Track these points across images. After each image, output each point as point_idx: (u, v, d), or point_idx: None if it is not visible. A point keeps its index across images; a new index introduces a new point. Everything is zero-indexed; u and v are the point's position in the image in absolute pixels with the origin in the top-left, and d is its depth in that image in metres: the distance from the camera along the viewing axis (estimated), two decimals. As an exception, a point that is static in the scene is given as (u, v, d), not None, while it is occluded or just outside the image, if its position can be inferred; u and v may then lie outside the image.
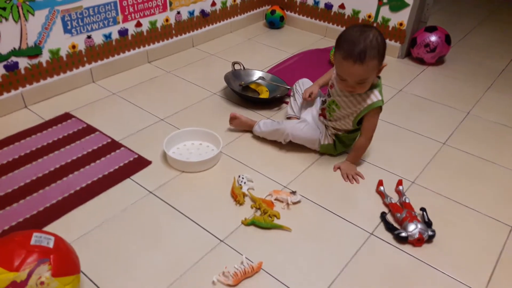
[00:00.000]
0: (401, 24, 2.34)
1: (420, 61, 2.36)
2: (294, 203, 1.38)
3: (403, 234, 1.25)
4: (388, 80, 2.18)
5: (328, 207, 1.38)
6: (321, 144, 1.58)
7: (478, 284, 1.15)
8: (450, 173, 1.56)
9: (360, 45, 1.27)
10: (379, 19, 2.40)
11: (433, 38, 2.25)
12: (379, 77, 1.44)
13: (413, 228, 1.25)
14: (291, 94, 1.78)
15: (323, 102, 1.58)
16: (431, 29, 2.28)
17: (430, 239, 1.26)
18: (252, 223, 1.29)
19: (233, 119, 1.68)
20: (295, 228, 1.29)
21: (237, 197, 1.37)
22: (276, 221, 1.30)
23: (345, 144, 1.58)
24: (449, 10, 3.27)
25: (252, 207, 1.36)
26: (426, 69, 2.33)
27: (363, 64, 1.28)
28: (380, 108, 1.44)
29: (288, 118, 1.75)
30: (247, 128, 1.70)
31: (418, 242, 1.24)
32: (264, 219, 1.29)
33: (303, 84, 1.75)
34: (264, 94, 1.95)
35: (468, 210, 1.40)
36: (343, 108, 1.47)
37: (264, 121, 1.66)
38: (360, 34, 1.28)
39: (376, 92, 1.41)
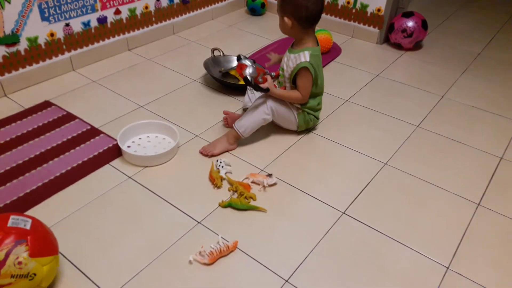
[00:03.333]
0: (379, 10, 2.37)
1: (398, 46, 2.40)
2: (270, 185, 1.42)
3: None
4: (366, 65, 2.22)
5: (303, 188, 1.42)
6: (297, 119, 1.61)
7: (444, 259, 1.21)
8: (422, 154, 1.62)
9: None
10: (358, 5, 2.43)
11: (410, 23, 2.29)
12: (317, 45, 1.54)
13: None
14: (248, 89, 1.77)
15: (276, 78, 1.65)
16: (408, 15, 2.32)
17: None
18: (229, 205, 1.33)
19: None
20: (270, 209, 1.33)
21: (214, 180, 1.41)
22: (252, 203, 1.35)
23: (312, 112, 1.63)
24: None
25: (229, 190, 1.40)
26: (404, 54, 2.37)
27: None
28: (306, 69, 1.49)
29: (245, 109, 1.76)
30: (227, 150, 1.59)
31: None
32: (240, 200, 1.33)
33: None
34: (244, 80, 1.97)
35: (437, 189, 1.46)
36: (285, 70, 1.56)
37: (237, 122, 1.57)
38: None
39: (306, 53, 1.49)
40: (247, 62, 1.51)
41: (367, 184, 1.46)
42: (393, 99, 1.96)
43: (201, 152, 1.55)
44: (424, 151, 1.64)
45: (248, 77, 1.48)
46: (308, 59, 1.48)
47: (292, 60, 1.52)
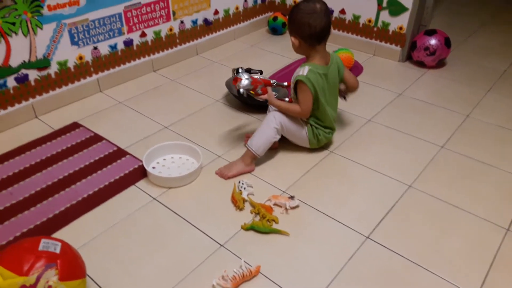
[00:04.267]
0: (401, 28, 2.37)
1: (421, 64, 2.39)
2: (293, 208, 1.42)
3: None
4: (388, 84, 2.22)
5: (326, 211, 1.42)
6: (307, 134, 1.62)
7: (473, 287, 1.18)
8: (447, 176, 1.59)
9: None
10: (379, 24, 2.43)
11: (433, 41, 2.27)
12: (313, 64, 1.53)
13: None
14: (268, 110, 1.76)
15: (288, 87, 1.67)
16: (431, 33, 2.30)
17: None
18: (251, 228, 1.34)
19: (226, 179, 1.56)
20: (293, 232, 1.33)
21: (237, 202, 1.42)
22: (274, 226, 1.35)
23: (321, 128, 1.63)
24: (452, 12, 3.28)
25: (251, 212, 1.40)
26: (427, 72, 2.35)
27: None
28: (301, 83, 1.50)
29: None
30: (243, 172, 1.58)
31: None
32: (263, 223, 1.33)
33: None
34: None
35: (464, 213, 1.43)
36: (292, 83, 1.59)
37: (249, 141, 1.58)
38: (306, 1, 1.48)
39: (305, 68, 1.51)
40: (243, 76, 1.52)
41: (392, 207, 1.44)
42: (416, 118, 1.94)
43: (217, 174, 1.57)
44: (450, 173, 1.61)
45: (241, 90, 1.51)
46: (305, 73, 1.50)
47: (295, 73, 1.55)
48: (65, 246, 1.04)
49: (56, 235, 1.31)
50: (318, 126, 1.63)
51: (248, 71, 1.57)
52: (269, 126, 1.56)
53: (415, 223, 1.38)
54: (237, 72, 1.54)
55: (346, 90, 1.74)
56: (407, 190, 1.52)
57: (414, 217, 1.40)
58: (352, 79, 1.69)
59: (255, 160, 1.59)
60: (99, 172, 1.57)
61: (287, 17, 2.73)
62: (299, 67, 1.55)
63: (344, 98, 1.77)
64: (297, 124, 1.60)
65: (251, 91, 1.53)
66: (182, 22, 2.33)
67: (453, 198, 1.48)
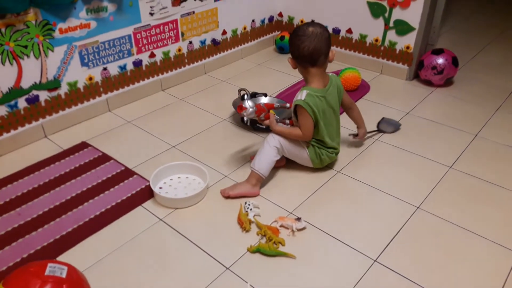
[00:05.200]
0: (408, 47, 2.37)
1: (428, 83, 2.38)
2: (299, 230, 1.41)
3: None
4: (395, 102, 2.21)
5: (332, 233, 1.41)
6: (309, 154, 1.61)
7: (482, 312, 1.16)
8: (456, 197, 1.57)
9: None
10: (386, 43, 2.44)
11: (440, 60, 2.27)
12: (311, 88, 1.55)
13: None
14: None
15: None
16: (438, 52, 2.30)
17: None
18: (258, 250, 1.33)
19: (226, 198, 1.56)
20: (299, 255, 1.32)
21: (243, 224, 1.41)
22: (281, 248, 1.34)
23: (323, 148, 1.63)
24: (460, 29, 3.28)
25: (257, 234, 1.40)
26: (434, 90, 2.35)
27: None
28: (300, 107, 1.52)
29: None
30: (247, 195, 1.56)
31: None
32: (269, 246, 1.32)
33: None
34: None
35: (474, 236, 1.40)
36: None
37: (253, 162, 1.58)
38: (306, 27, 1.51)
39: (304, 92, 1.53)
40: (248, 104, 1.54)
41: (400, 230, 1.42)
42: (424, 138, 1.92)
43: (221, 192, 1.57)
44: (459, 194, 1.59)
45: (245, 118, 1.62)
46: (303, 98, 1.51)
47: (295, 97, 1.57)
48: (71, 270, 1.04)
49: (62, 256, 1.31)
50: (320, 146, 1.63)
51: (253, 95, 1.59)
52: (269, 145, 1.57)
53: (424, 246, 1.36)
54: (242, 98, 1.57)
55: (359, 136, 1.81)
56: (415, 211, 1.50)
57: (422, 240, 1.38)
58: (348, 103, 1.74)
59: (260, 182, 1.58)
60: (106, 192, 1.58)
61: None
62: (298, 92, 1.56)
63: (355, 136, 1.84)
64: (297, 145, 1.61)
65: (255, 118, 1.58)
66: (190, 42, 2.37)
67: (463, 220, 1.46)
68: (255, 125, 1.57)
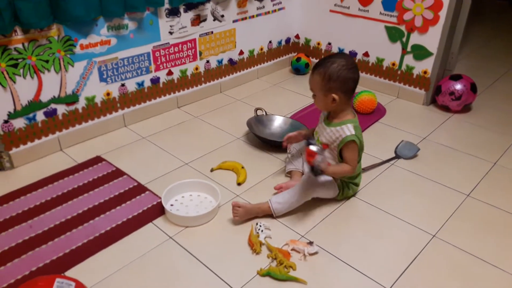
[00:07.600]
0: (425, 72, 2.36)
1: (446, 108, 2.35)
2: (311, 254, 1.38)
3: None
4: (412, 127, 2.18)
5: (345, 259, 1.37)
6: (337, 188, 1.58)
7: None
8: (473, 227, 1.52)
9: (319, 62, 1.51)
10: (403, 67, 2.43)
11: (458, 86, 2.25)
12: (354, 117, 1.54)
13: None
14: (288, 151, 1.79)
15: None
16: (456, 78, 2.28)
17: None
18: (268, 274, 1.30)
19: (236, 207, 1.49)
20: (310, 281, 1.29)
21: (253, 245, 1.39)
22: (291, 273, 1.31)
23: (351, 182, 1.60)
24: (479, 55, 3.26)
25: (268, 257, 1.37)
26: (452, 116, 2.31)
27: (312, 75, 1.51)
28: (353, 142, 1.48)
29: (289, 173, 1.75)
30: (255, 214, 1.53)
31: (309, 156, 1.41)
32: (279, 270, 1.30)
33: (298, 144, 1.77)
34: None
35: (492, 268, 1.35)
36: (321, 134, 1.57)
37: (275, 197, 1.55)
38: (329, 57, 1.49)
39: (349, 126, 1.49)
40: (315, 148, 1.43)
41: (414, 258, 1.38)
42: (440, 164, 1.89)
43: (233, 204, 1.50)
44: (476, 223, 1.54)
45: (318, 167, 1.41)
46: (353, 132, 1.48)
47: (335, 133, 1.51)
48: (79, 286, 1.03)
49: (71, 271, 1.30)
50: (348, 181, 1.60)
51: (308, 143, 1.49)
52: (299, 202, 1.54)
53: (439, 275, 1.32)
54: (308, 144, 1.45)
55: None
56: (431, 240, 1.46)
57: (438, 269, 1.34)
58: None
59: (261, 213, 1.54)
60: (118, 208, 1.57)
61: (310, 58, 2.78)
62: (338, 127, 1.50)
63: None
64: (328, 189, 1.57)
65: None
66: (207, 61, 2.39)
67: (479, 250, 1.41)
68: (316, 173, 1.44)
